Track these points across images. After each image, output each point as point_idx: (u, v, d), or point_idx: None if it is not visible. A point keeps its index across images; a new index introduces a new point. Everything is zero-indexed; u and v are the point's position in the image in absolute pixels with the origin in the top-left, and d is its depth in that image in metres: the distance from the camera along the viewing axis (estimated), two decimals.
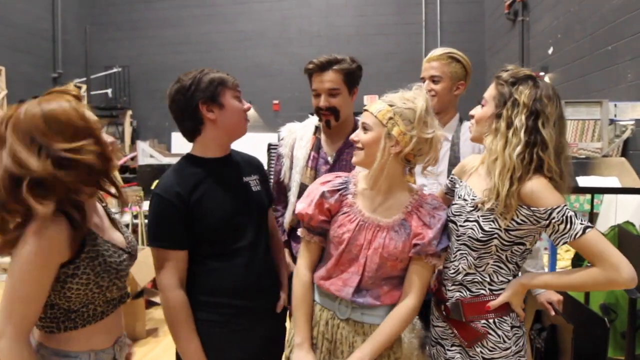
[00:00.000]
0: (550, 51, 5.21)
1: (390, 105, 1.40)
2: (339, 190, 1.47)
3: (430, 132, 1.38)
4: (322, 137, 1.96)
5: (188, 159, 1.59)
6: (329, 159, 1.91)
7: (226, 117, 1.54)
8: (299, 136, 1.96)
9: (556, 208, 1.28)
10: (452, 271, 1.42)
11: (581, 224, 1.27)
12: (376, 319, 1.43)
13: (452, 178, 1.60)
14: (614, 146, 3.32)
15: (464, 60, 1.95)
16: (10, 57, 7.27)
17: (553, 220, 1.28)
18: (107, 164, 1.17)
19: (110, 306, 1.25)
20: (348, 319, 1.44)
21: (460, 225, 1.40)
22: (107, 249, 1.20)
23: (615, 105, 3.40)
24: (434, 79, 1.92)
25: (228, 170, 1.60)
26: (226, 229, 1.52)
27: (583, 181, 2.23)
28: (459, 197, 1.46)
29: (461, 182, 1.52)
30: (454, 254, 1.43)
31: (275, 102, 8.23)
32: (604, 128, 3.28)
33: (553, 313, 1.47)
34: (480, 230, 1.35)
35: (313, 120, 2.01)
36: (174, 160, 6.66)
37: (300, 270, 1.52)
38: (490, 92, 1.42)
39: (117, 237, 1.28)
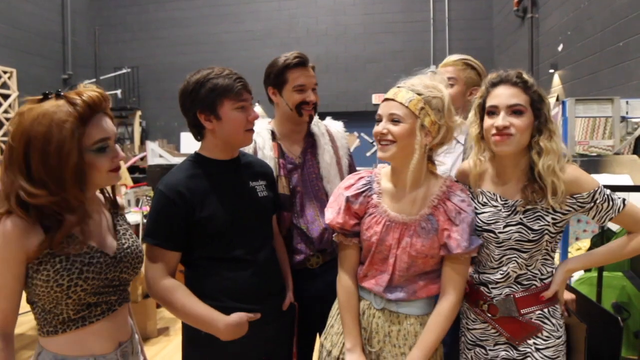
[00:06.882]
0: (560, 48, 5.16)
1: (419, 94, 1.34)
2: (362, 192, 1.45)
3: (456, 121, 1.38)
4: (282, 142, 1.88)
5: (196, 158, 1.57)
6: (297, 161, 1.86)
7: (224, 129, 1.50)
8: (260, 145, 1.83)
9: (597, 189, 1.33)
10: (500, 276, 1.40)
11: (618, 197, 1.35)
12: (412, 309, 1.42)
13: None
14: (625, 144, 3.29)
15: (479, 67, 1.96)
16: (21, 59, 7.35)
17: (597, 201, 1.33)
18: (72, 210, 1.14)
19: (94, 312, 1.19)
20: (383, 308, 1.44)
21: (500, 232, 1.38)
22: (78, 249, 1.15)
23: (627, 102, 3.36)
24: (449, 82, 1.91)
25: (234, 175, 1.58)
26: (228, 234, 1.50)
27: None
28: (482, 205, 1.43)
29: (470, 188, 1.49)
30: (497, 260, 1.40)
31: None
32: (615, 125, 3.25)
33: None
34: (530, 231, 1.35)
35: (264, 126, 1.88)
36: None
37: (342, 278, 1.50)
38: (524, 97, 1.35)
39: (107, 243, 1.24)
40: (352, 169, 1.99)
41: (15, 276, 1.10)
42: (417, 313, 1.43)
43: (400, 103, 1.34)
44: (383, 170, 1.49)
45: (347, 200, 1.45)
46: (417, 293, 1.41)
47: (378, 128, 1.38)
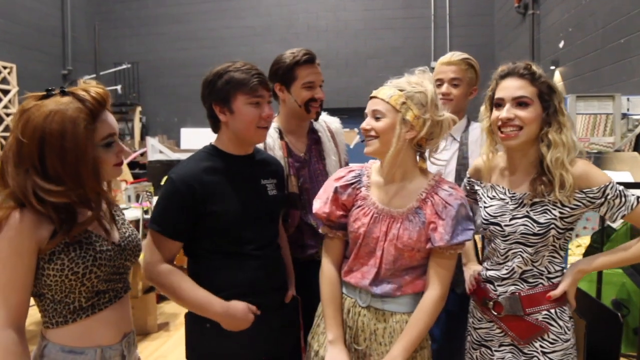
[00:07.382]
0: (561, 45, 5.15)
1: (401, 90, 1.37)
2: (352, 184, 1.47)
3: (442, 115, 1.38)
4: (288, 139, 1.89)
5: (211, 150, 1.58)
6: (303, 157, 1.88)
7: (236, 122, 1.51)
8: (270, 146, 1.83)
9: (609, 184, 1.30)
10: (505, 272, 1.39)
11: (632, 195, 1.30)
12: (398, 307, 1.42)
13: (469, 181, 1.58)
14: (626, 141, 3.28)
15: (476, 65, 1.96)
16: (21, 55, 7.33)
17: (608, 197, 1.30)
18: (92, 203, 1.18)
19: (103, 299, 1.22)
20: (369, 306, 1.44)
21: (506, 225, 1.38)
22: (88, 237, 1.18)
23: (628, 99, 3.36)
24: (454, 83, 1.89)
25: (247, 171, 1.59)
26: (237, 230, 1.51)
27: None
28: (491, 198, 1.44)
29: (481, 183, 1.50)
30: (503, 255, 1.40)
31: None
32: (616, 122, 3.25)
33: None
34: (536, 224, 1.34)
35: (271, 124, 1.88)
36: (183, 156, 6.67)
37: (325, 267, 1.52)
38: (531, 89, 1.35)
39: (111, 232, 1.27)
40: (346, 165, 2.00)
41: (28, 268, 1.12)
42: (403, 310, 1.42)
43: (382, 99, 1.38)
44: (374, 165, 1.51)
45: (336, 190, 1.47)
46: (403, 288, 1.41)
47: (362, 124, 1.42)
